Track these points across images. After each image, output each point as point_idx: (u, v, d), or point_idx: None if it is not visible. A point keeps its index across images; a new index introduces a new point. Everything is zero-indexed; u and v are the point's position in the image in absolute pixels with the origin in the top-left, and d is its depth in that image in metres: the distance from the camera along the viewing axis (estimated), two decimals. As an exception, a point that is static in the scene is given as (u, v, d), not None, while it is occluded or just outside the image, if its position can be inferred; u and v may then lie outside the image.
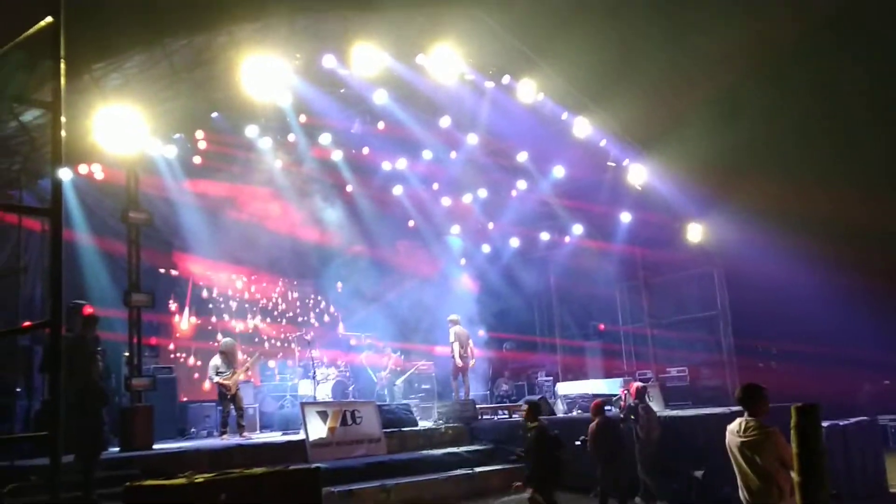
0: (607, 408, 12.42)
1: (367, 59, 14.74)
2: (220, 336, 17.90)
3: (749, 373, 19.53)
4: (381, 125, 18.12)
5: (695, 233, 21.02)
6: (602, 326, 22.85)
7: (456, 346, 17.05)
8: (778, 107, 20.60)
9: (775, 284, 17.89)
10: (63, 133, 3.79)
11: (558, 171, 20.12)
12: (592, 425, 11.44)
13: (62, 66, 3.73)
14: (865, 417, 13.00)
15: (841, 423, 11.91)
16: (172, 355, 18.40)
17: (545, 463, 9.82)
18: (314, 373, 16.43)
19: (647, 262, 22.45)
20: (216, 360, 14.64)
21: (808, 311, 17.14)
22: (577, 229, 22.38)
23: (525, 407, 10.84)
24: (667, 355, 21.71)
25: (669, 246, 21.63)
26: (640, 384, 12.53)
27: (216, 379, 14.41)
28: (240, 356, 15.40)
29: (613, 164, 19.62)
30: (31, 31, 3.85)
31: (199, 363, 18.64)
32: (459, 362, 17.06)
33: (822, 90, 19.62)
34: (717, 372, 20.66)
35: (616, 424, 11.69)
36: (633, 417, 11.68)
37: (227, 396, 14.33)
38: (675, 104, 19.77)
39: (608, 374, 21.49)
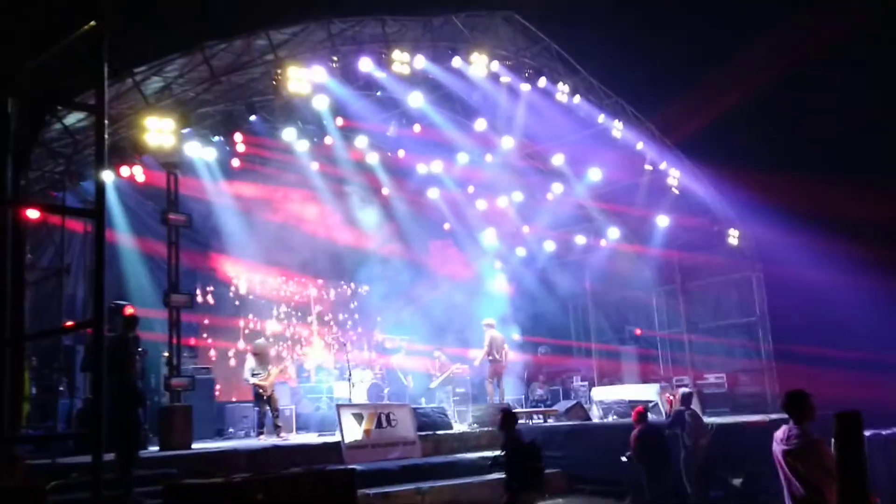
0: (649, 416, 12.13)
1: (403, 61, 14.80)
2: (255, 337, 18.07)
3: (789, 379, 19.21)
4: (416, 128, 18.15)
5: (733, 236, 20.78)
6: (638, 331, 22.64)
7: (490, 350, 17.02)
8: (818, 109, 20.32)
9: (817, 289, 17.61)
10: (106, 136, 3.83)
11: (594, 174, 19.99)
12: (634, 433, 11.21)
13: (105, 69, 3.78)
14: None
15: (884, 433, 11.65)
16: (211, 355, 18.57)
17: (520, 475, 9.03)
18: (350, 375, 16.49)
19: (685, 266, 22.23)
20: (250, 362, 14.78)
21: (850, 317, 16.82)
22: (614, 233, 22.21)
23: (498, 416, 9.84)
24: (704, 361, 21.47)
25: (707, 250, 21.41)
26: (685, 389, 12.24)
27: (251, 380, 14.53)
28: (273, 356, 15.51)
29: (651, 168, 19.45)
30: (76, 34, 3.91)
31: (236, 363, 18.80)
32: (492, 366, 17.02)
33: (864, 92, 19.30)
34: (756, 378, 20.38)
35: (660, 431, 11.41)
36: (679, 424, 11.41)
37: (262, 397, 14.44)
38: (714, 107, 19.59)
39: (644, 380, 21.24)
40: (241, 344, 18.79)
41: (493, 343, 17.13)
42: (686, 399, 11.75)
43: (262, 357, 14.85)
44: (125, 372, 10.04)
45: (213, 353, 18.64)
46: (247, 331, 19.41)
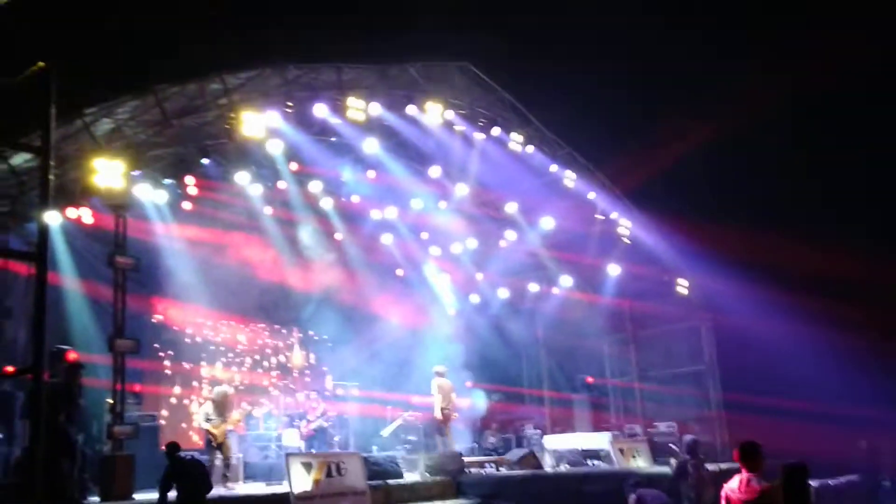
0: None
1: (358, 108, 14.88)
2: (207, 384, 17.71)
3: (739, 429, 19.41)
4: (371, 174, 18.19)
5: (683, 286, 21.08)
6: (590, 379, 22.70)
7: (438, 399, 16.82)
8: (769, 162, 20.93)
9: (765, 339, 17.90)
10: (52, 177, 3.76)
11: (547, 223, 20.19)
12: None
13: (52, 110, 3.72)
14: (856, 476, 12.90)
15: (832, 482, 11.79)
16: (155, 403, 18.10)
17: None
18: (299, 422, 16.19)
19: (636, 314, 22.46)
20: (207, 407, 14.41)
21: (798, 368, 17.11)
22: (566, 281, 22.39)
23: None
24: (655, 410, 21.59)
25: (658, 299, 21.68)
26: (690, 437, 11.67)
27: (204, 426, 14.16)
28: (232, 406, 15.12)
29: (602, 217, 19.73)
30: (23, 75, 3.85)
31: (183, 411, 18.36)
32: (439, 415, 16.82)
33: (818, 150, 19.93)
34: (707, 427, 20.51)
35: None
36: (683, 477, 10.78)
37: (213, 444, 14.07)
38: (663, 158, 20.03)
39: (596, 428, 21.27)
40: (176, 390, 18.40)
41: (441, 391, 16.97)
42: (692, 448, 11.16)
43: (220, 404, 14.48)
44: (58, 420, 9.69)
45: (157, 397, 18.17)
46: (192, 377, 18.98)
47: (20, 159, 12.60)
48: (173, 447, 10.96)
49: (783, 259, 17.59)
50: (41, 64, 3.77)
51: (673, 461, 12.53)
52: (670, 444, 17.79)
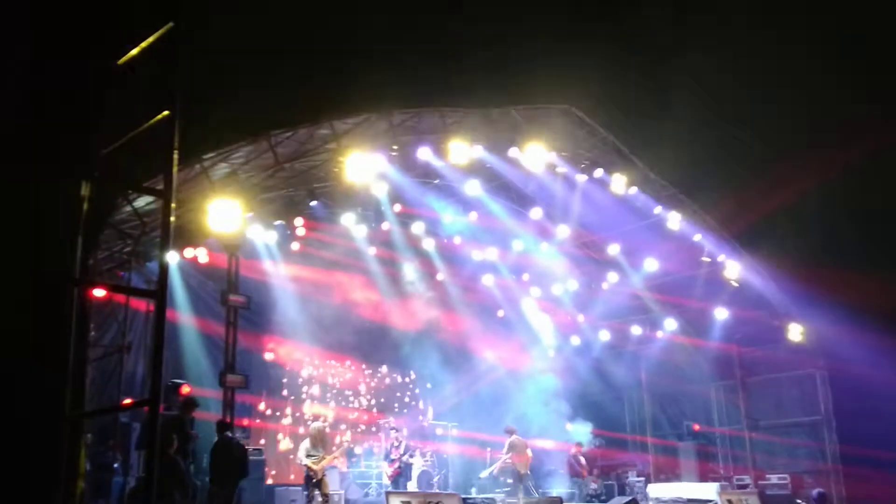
0: None
1: (461, 151, 15.11)
2: (310, 421, 18.08)
3: (857, 483, 18.35)
4: (473, 215, 18.36)
5: (795, 331, 20.25)
6: (697, 426, 21.96)
7: (506, 456, 16.75)
8: (887, 202, 19.97)
9: (886, 389, 16.95)
10: (172, 219, 3.99)
11: (651, 265, 19.84)
12: None
13: (175, 156, 3.97)
14: None
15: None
16: (262, 438, 18.59)
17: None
18: (413, 460, 16.33)
19: (745, 360, 21.67)
20: (306, 444, 14.68)
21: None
22: (670, 324, 21.86)
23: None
24: (766, 461, 20.67)
25: (768, 344, 20.89)
26: (818, 490, 11.05)
27: (304, 461, 14.43)
28: (329, 442, 15.39)
29: (708, 259, 19.25)
30: (149, 123, 4.12)
31: (288, 447, 18.77)
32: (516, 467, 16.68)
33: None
34: (822, 481, 19.48)
35: None
36: None
37: (312, 480, 14.31)
38: (772, 199, 19.41)
39: (703, 478, 20.49)
40: (287, 422, 18.77)
41: (513, 449, 16.84)
42: (821, 501, 10.64)
43: (318, 440, 14.73)
44: (171, 452, 10.07)
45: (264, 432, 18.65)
46: (297, 413, 19.41)
47: (143, 202, 13.33)
48: (223, 426, 11.94)
49: (901, 305, 16.69)
50: (166, 112, 4.04)
51: None
52: (797, 501, 16.90)
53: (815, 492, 11.30)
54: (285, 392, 19.52)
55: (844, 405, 19.57)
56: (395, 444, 16.47)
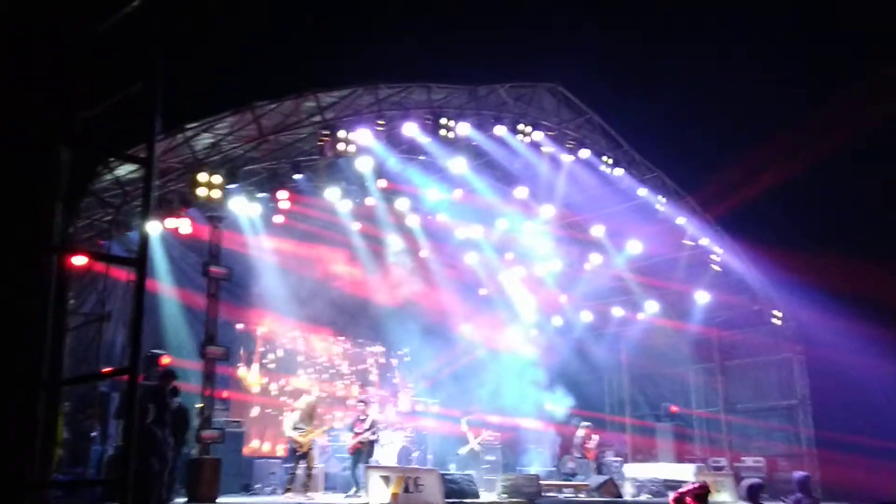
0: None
1: (447, 128, 15.04)
2: (289, 395, 18.09)
3: (831, 467, 18.62)
4: (458, 193, 18.32)
5: (775, 317, 20.43)
6: (674, 408, 22.18)
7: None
8: (869, 190, 20.12)
9: (861, 375, 17.19)
10: (154, 188, 3.94)
11: (634, 247, 19.91)
12: None
13: (157, 124, 3.90)
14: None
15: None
16: (241, 409, 18.57)
17: None
18: (379, 437, 16.30)
19: (724, 344, 21.89)
20: (294, 416, 14.66)
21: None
22: (651, 307, 21.99)
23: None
24: (742, 443, 20.95)
25: (747, 328, 21.10)
26: (802, 474, 10.81)
27: (292, 434, 14.42)
28: (317, 416, 15.26)
29: (691, 243, 19.34)
30: (130, 89, 4.05)
31: (266, 419, 18.77)
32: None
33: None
34: (797, 464, 19.76)
35: None
36: None
37: (297, 453, 14.33)
38: (757, 184, 19.50)
39: (679, 459, 20.73)
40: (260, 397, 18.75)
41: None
42: (804, 485, 10.48)
43: (306, 414, 14.72)
44: (149, 422, 10.03)
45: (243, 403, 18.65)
46: (280, 385, 19.41)
47: (124, 170, 13.20)
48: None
49: (883, 291, 16.84)
50: (147, 79, 3.97)
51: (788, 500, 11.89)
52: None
53: (798, 474, 11.19)
54: (264, 364, 19.49)
55: (820, 390, 19.83)
56: (361, 417, 15.61)
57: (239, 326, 19.06)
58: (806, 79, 22.72)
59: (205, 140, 13.97)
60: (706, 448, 21.66)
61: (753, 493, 10.01)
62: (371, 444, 15.24)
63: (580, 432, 18.98)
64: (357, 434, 15.06)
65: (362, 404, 15.95)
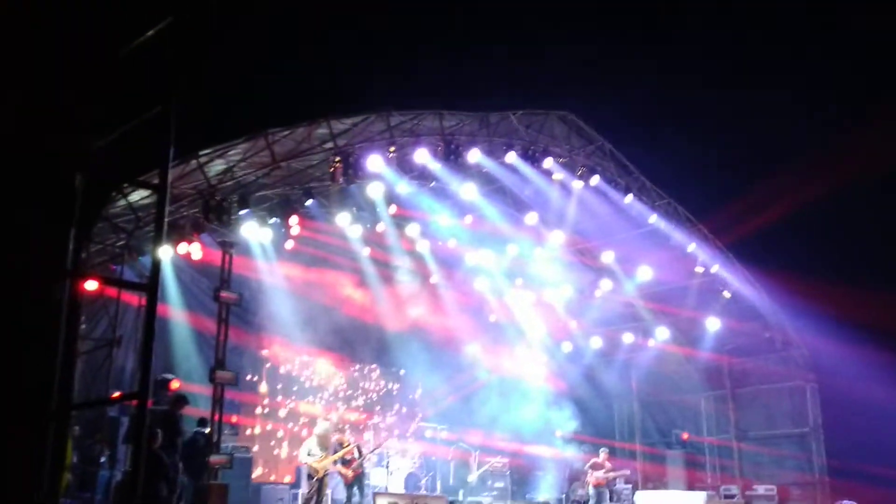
0: None
1: (458, 154, 15.11)
2: (321, 418, 18.07)
3: (843, 496, 18.38)
4: (468, 219, 18.36)
5: (786, 344, 20.30)
6: (685, 436, 22.01)
7: None
8: (882, 219, 20.06)
9: (875, 404, 17.02)
10: (166, 214, 3.98)
11: (644, 273, 19.88)
12: None
13: (171, 151, 3.96)
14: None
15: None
16: (249, 433, 18.54)
17: None
18: (388, 462, 16.25)
19: (735, 371, 21.75)
20: (311, 442, 14.58)
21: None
22: (662, 333, 21.90)
23: None
24: (754, 471, 20.75)
25: (759, 356, 20.97)
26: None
27: (306, 460, 14.35)
28: (333, 442, 15.06)
29: (702, 270, 19.29)
30: (145, 116, 4.11)
31: (276, 444, 18.73)
32: None
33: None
34: (809, 493, 19.56)
35: None
36: None
37: (312, 478, 14.27)
38: (769, 212, 19.47)
39: (690, 486, 20.56)
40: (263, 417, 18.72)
41: None
42: None
43: (322, 440, 14.65)
44: (154, 445, 10.02)
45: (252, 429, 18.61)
46: (289, 411, 19.38)
47: (137, 196, 13.29)
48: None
49: (892, 321, 16.73)
50: (162, 106, 4.02)
51: None
52: None
53: None
54: (274, 390, 19.47)
55: (833, 418, 19.66)
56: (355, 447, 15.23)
57: (257, 352, 19.03)
58: (821, 108, 22.75)
59: (218, 166, 14.07)
60: (717, 476, 21.46)
61: None
62: (361, 477, 15.30)
63: (596, 458, 18.79)
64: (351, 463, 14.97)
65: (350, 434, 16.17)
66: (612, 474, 18.35)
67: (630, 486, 20.67)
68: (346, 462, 14.85)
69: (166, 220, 4.04)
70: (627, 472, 19.53)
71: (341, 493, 17.30)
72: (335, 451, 14.62)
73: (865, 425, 17.35)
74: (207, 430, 13.25)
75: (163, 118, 4.04)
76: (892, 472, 15.58)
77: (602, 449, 19.23)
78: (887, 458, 15.99)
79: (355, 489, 14.84)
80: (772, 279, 19.68)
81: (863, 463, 17.02)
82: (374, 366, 21.71)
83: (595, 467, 18.48)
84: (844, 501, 10.46)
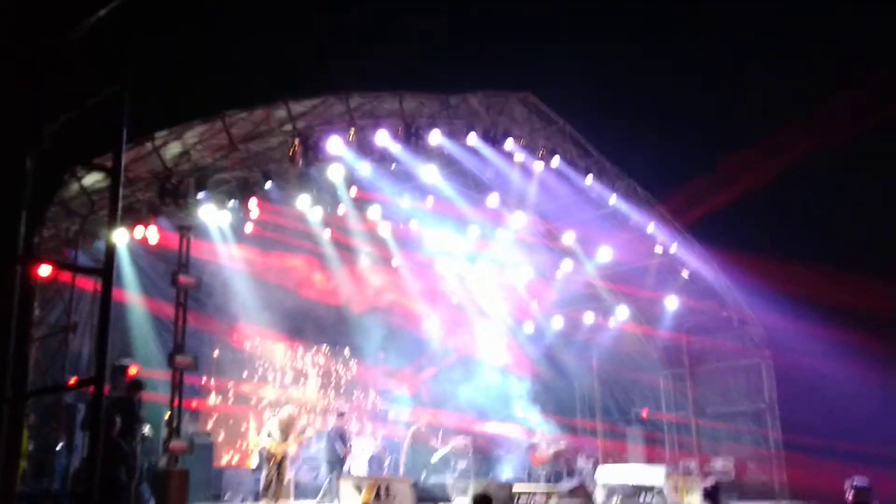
0: None
1: (419, 136, 15.06)
2: (274, 403, 18.01)
3: (798, 469, 18.88)
4: (429, 201, 18.34)
5: (743, 322, 20.68)
6: (645, 413, 22.38)
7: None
8: (832, 200, 20.48)
9: (829, 380, 17.45)
10: (120, 197, 3.91)
11: (605, 254, 20.07)
12: None
13: (124, 134, 3.88)
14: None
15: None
16: (211, 419, 18.42)
17: None
18: (350, 445, 16.26)
19: (693, 349, 22.11)
20: (272, 426, 14.54)
21: (863, 410, 16.61)
22: (622, 313, 22.17)
23: None
24: (711, 446, 21.17)
25: (716, 334, 21.35)
26: (859, 481, 9.80)
27: (266, 444, 14.31)
28: (295, 427, 15.09)
29: (661, 250, 19.52)
30: (98, 98, 4.03)
31: (236, 429, 18.63)
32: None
33: (879, 186, 19.45)
34: (765, 467, 20.03)
35: None
36: None
37: (270, 462, 14.24)
38: (726, 192, 19.76)
39: (650, 462, 20.94)
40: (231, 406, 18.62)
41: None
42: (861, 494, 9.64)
43: (286, 424, 14.61)
44: (112, 432, 9.89)
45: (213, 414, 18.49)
46: (249, 395, 19.29)
47: (91, 180, 13.05)
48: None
49: (850, 298, 17.13)
50: (115, 87, 3.95)
51: None
52: None
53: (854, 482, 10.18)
54: (234, 374, 19.36)
55: (788, 394, 20.10)
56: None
57: (215, 337, 18.88)
58: (777, 91, 23.12)
59: (174, 149, 13.84)
60: (676, 452, 21.85)
61: (715, 494, 9.91)
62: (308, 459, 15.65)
63: (535, 438, 19.20)
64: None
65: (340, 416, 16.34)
66: (552, 449, 18.86)
67: (591, 462, 20.95)
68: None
69: (121, 203, 3.97)
70: (562, 443, 19.82)
71: (304, 475, 17.35)
72: (295, 436, 14.64)
73: (819, 400, 17.78)
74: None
75: (117, 100, 3.97)
76: (844, 445, 16.00)
77: (538, 429, 19.61)
78: (840, 432, 16.42)
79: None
80: (729, 259, 20.03)
81: (816, 437, 17.47)
82: (335, 348, 21.68)
83: (532, 448, 18.86)
84: (856, 477, 10.46)
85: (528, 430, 21.25)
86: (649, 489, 17.24)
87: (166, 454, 13.16)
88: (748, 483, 19.81)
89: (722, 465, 19.84)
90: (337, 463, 15.64)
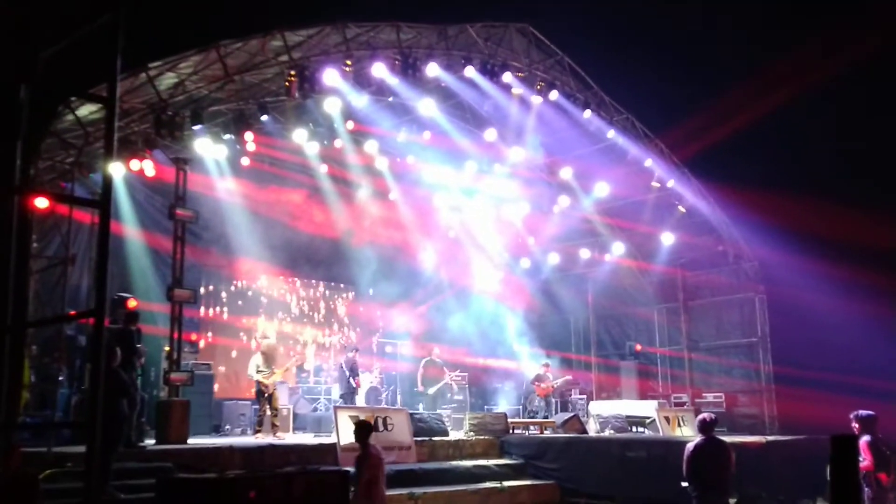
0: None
1: (416, 68, 14.87)
2: (260, 335, 18.20)
3: (788, 402, 19.20)
4: (427, 135, 18.21)
5: (738, 257, 20.78)
6: (639, 347, 22.65)
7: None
8: (831, 132, 20.35)
9: (819, 313, 17.58)
10: (116, 128, 3.87)
11: (602, 189, 20.04)
12: (691, 445, 9.39)
13: (118, 63, 3.82)
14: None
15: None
16: (211, 352, 18.61)
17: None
18: (349, 377, 16.51)
19: (688, 284, 22.25)
20: (258, 359, 14.76)
21: (853, 343, 16.80)
22: (618, 248, 22.24)
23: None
24: (704, 380, 21.49)
25: (711, 269, 21.47)
26: (864, 413, 9.46)
27: (255, 377, 14.54)
28: (280, 357, 15.46)
29: (658, 185, 19.49)
30: (92, 26, 3.95)
31: (238, 361, 18.85)
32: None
33: (886, 120, 19.29)
34: (755, 400, 20.37)
35: (722, 447, 9.47)
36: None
37: (264, 395, 14.47)
38: (723, 127, 19.61)
39: (643, 396, 21.31)
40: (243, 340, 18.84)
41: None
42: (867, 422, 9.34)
43: (269, 356, 14.84)
44: (113, 363, 9.99)
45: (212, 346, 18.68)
46: (248, 327, 19.46)
47: (86, 111, 12.92)
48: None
49: (842, 232, 17.16)
50: (109, 15, 3.87)
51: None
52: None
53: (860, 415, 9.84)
54: (233, 308, 19.48)
55: (780, 328, 20.29)
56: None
57: (213, 270, 18.95)
58: (773, 26, 22.77)
59: (169, 80, 13.68)
60: (669, 385, 22.18)
61: (706, 426, 9.96)
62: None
63: (538, 371, 19.57)
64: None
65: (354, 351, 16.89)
66: (559, 382, 19.29)
67: (585, 396, 21.31)
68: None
69: (116, 135, 3.93)
70: (569, 377, 20.26)
71: (302, 407, 17.64)
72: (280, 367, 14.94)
73: (809, 334, 17.95)
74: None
75: (111, 27, 3.89)
76: (834, 377, 16.23)
77: (543, 362, 19.99)
78: (830, 364, 16.63)
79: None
80: (725, 193, 20.00)
81: (806, 369, 17.72)
82: (333, 282, 21.78)
83: (538, 379, 19.21)
84: (861, 412, 10.39)
85: (525, 364, 21.55)
86: (641, 421, 17.59)
87: (167, 385, 13.36)
88: (738, 416, 20.19)
89: (713, 398, 20.20)
90: (349, 394, 16.18)
